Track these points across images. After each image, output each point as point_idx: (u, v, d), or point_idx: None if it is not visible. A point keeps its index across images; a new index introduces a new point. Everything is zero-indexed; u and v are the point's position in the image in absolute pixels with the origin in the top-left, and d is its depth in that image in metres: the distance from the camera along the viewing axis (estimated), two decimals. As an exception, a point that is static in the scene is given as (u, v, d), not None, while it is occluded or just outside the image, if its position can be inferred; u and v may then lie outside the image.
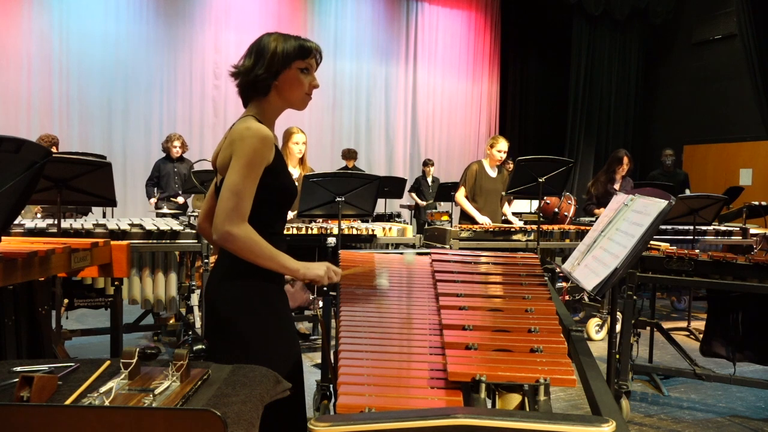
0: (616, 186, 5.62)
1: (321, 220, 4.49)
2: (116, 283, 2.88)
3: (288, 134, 4.52)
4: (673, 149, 8.21)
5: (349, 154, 8.68)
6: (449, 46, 11.17)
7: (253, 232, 1.67)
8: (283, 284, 1.85)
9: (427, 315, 1.61)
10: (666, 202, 1.74)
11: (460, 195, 5.18)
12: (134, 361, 1.16)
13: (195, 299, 4.10)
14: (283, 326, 1.80)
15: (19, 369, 1.28)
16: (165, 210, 6.40)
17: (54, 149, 6.48)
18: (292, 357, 1.79)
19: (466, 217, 5.18)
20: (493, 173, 5.18)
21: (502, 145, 5.11)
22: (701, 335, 3.83)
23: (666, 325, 4.37)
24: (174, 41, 8.97)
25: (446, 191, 8.11)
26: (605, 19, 10.83)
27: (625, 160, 5.61)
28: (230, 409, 1.07)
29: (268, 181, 1.71)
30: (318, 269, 1.75)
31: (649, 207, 1.81)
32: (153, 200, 6.80)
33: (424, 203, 9.04)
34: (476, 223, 5.03)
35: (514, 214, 5.86)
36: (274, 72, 1.73)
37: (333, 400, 2.69)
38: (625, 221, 1.91)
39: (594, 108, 11.13)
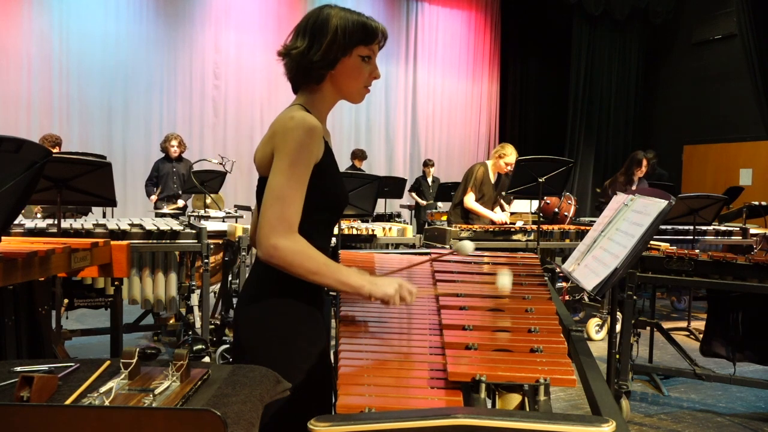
0: (633, 188, 5.65)
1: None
2: (116, 283, 2.89)
3: None
4: (663, 150, 8.23)
5: (360, 154, 8.83)
6: (449, 46, 11.17)
7: (306, 244, 1.43)
8: (320, 301, 1.64)
9: (427, 315, 1.61)
10: (666, 202, 1.74)
11: (471, 199, 5.02)
12: (134, 361, 1.16)
13: (195, 299, 4.10)
14: (311, 356, 1.57)
15: (19, 369, 1.28)
16: (165, 210, 6.41)
17: (56, 149, 6.49)
18: (320, 390, 1.62)
19: (462, 216, 5.15)
20: (493, 179, 5.17)
21: (511, 158, 4.92)
22: (701, 335, 3.83)
23: (666, 325, 4.37)
24: (174, 41, 8.97)
25: (446, 191, 8.11)
26: (605, 19, 10.84)
27: (644, 162, 5.79)
28: (230, 409, 1.07)
29: (314, 182, 1.47)
30: (388, 287, 1.46)
31: (649, 207, 1.81)
32: (153, 197, 6.81)
33: (425, 203, 9.06)
34: (475, 223, 5.02)
35: (513, 214, 5.87)
36: (332, 60, 1.48)
37: (333, 400, 2.69)
38: (625, 221, 1.91)
39: (594, 108, 11.14)
